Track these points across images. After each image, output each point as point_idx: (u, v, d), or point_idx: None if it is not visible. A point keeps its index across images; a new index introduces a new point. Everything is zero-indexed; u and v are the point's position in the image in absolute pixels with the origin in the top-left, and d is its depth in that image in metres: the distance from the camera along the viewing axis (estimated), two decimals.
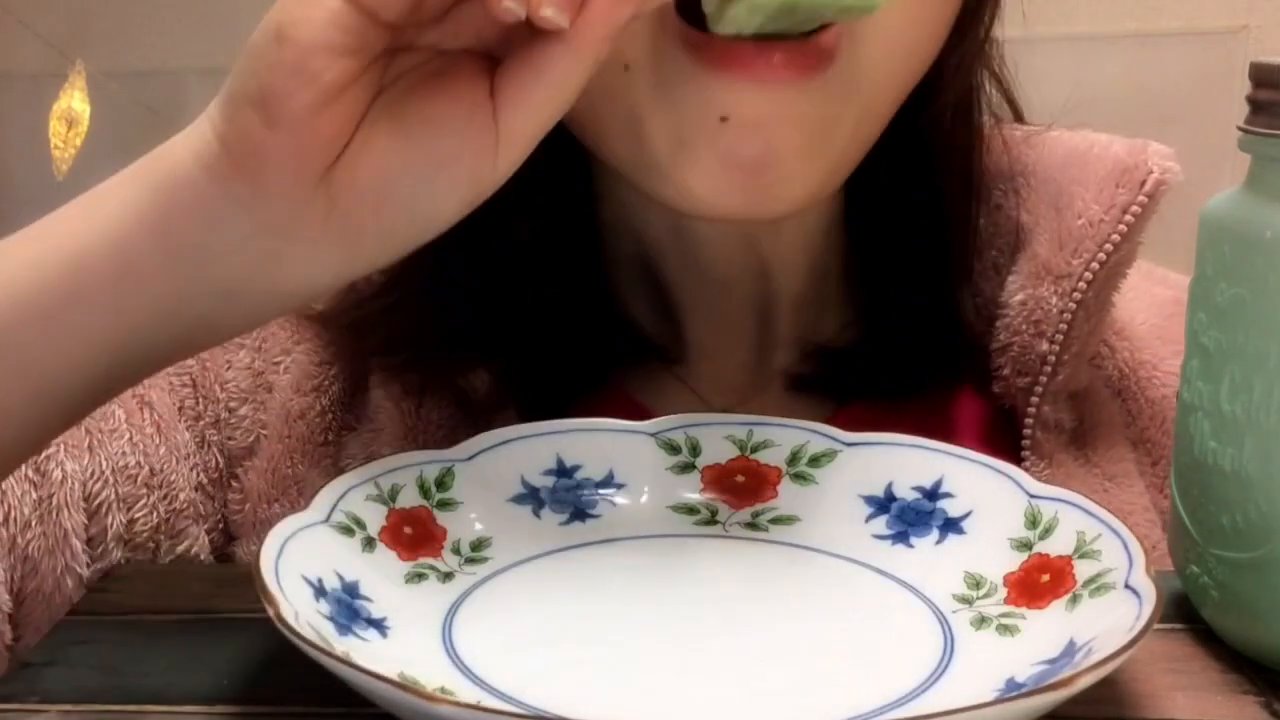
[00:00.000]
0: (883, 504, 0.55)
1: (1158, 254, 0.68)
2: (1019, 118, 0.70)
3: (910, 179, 0.66)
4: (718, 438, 0.58)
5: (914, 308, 0.68)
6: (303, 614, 0.43)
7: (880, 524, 0.55)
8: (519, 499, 0.55)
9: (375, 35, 0.45)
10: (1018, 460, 0.62)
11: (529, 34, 0.47)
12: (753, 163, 0.54)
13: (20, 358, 0.48)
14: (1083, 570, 0.48)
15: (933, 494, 0.55)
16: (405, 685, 0.39)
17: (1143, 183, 0.63)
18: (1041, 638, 0.46)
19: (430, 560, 0.52)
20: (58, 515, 0.60)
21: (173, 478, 0.63)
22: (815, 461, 0.57)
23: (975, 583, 0.51)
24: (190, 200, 0.47)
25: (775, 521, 0.56)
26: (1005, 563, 0.51)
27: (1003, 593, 0.50)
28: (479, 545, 0.53)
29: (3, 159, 1.75)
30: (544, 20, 0.45)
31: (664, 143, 0.55)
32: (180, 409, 0.65)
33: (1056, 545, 0.50)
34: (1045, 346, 0.63)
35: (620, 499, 0.57)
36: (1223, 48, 1.64)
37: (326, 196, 0.47)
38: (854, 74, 0.54)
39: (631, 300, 0.68)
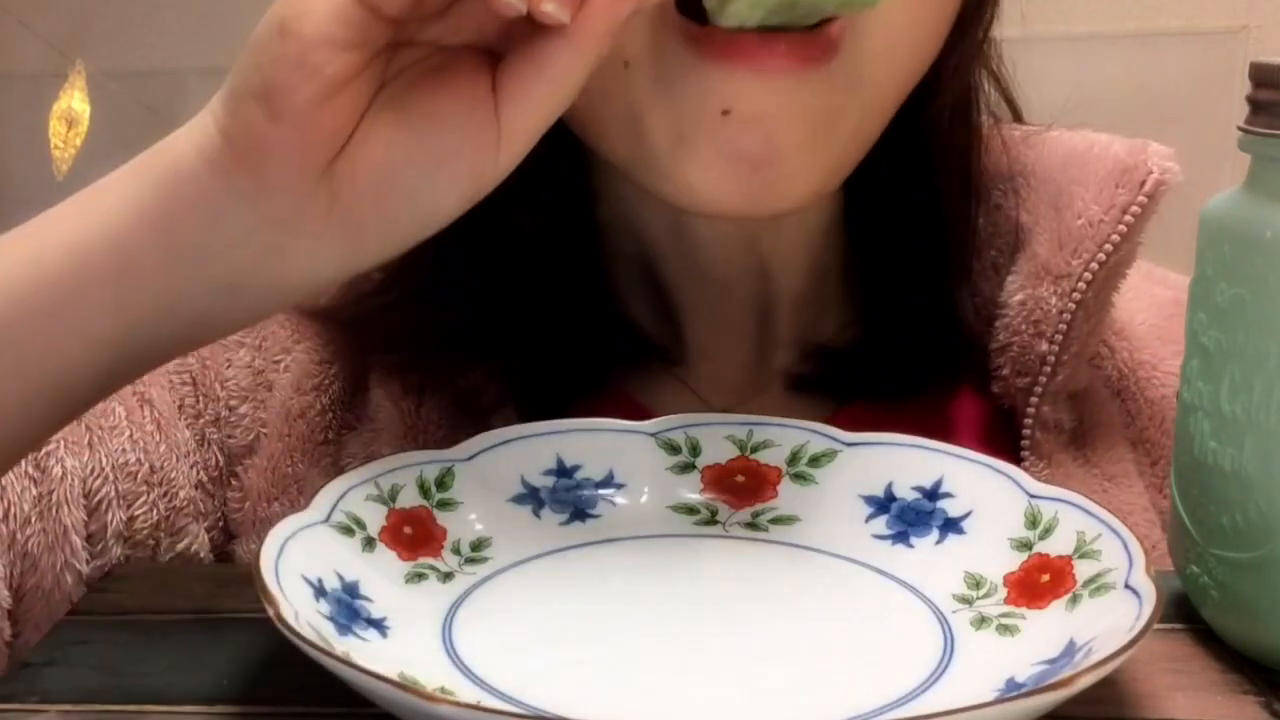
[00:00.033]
0: (883, 504, 0.55)
1: (1157, 254, 0.68)
2: (1018, 118, 0.70)
3: (909, 179, 0.66)
4: (718, 438, 0.58)
5: (913, 307, 0.68)
6: (303, 614, 0.43)
7: (880, 524, 0.55)
8: (519, 499, 0.55)
9: (378, 30, 0.45)
10: (1017, 460, 0.62)
11: (530, 30, 0.47)
12: (754, 157, 0.53)
13: (21, 353, 0.49)
14: (1083, 570, 0.48)
15: (933, 494, 0.55)
16: (405, 685, 0.39)
17: (1142, 183, 0.63)
18: (1041, 638, 0.46)
19: (430, 560, 0.52)
20: (57, 512, 0.60)
21: (173, 475, 0.63)
22: (815, 461, 0.57)
23: (975, 583, 0.51)
24: (192, 194, 0.47)
25: (775, 521, 0.56)
26: (1005, 563, 0.51)
27: (1003, 593, 0.50)
28: (479, 545, 0.53)
29: (3, 159, 1.75)
30: (545, 15, 0.45)
31: (664, 138, 0.55)
32: (180, 407, 0.65)
33: (1056, 545, 0.50)
34: (1045, 347, 0.63)
35: (620, 499, 0.57)
36: (1222, 48, 1.64)
37: (328, 190, 0.47)
38: (857, 68, 0.54)
39: (631, 300, 0.68)
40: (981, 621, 0.49)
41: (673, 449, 0.57)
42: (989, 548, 0.52)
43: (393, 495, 0.53)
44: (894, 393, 0.67)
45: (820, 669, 0.47)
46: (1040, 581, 0.49)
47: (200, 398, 0.66)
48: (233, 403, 0.66)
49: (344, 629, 0.46)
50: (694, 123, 0.54)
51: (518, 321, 0.66)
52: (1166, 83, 1.66)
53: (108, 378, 0.51)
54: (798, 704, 0.45)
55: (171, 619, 0.52)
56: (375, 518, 0.52)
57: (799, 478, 0.57)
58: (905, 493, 0.55)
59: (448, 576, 0.51)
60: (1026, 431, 0.64)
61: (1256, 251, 0.46)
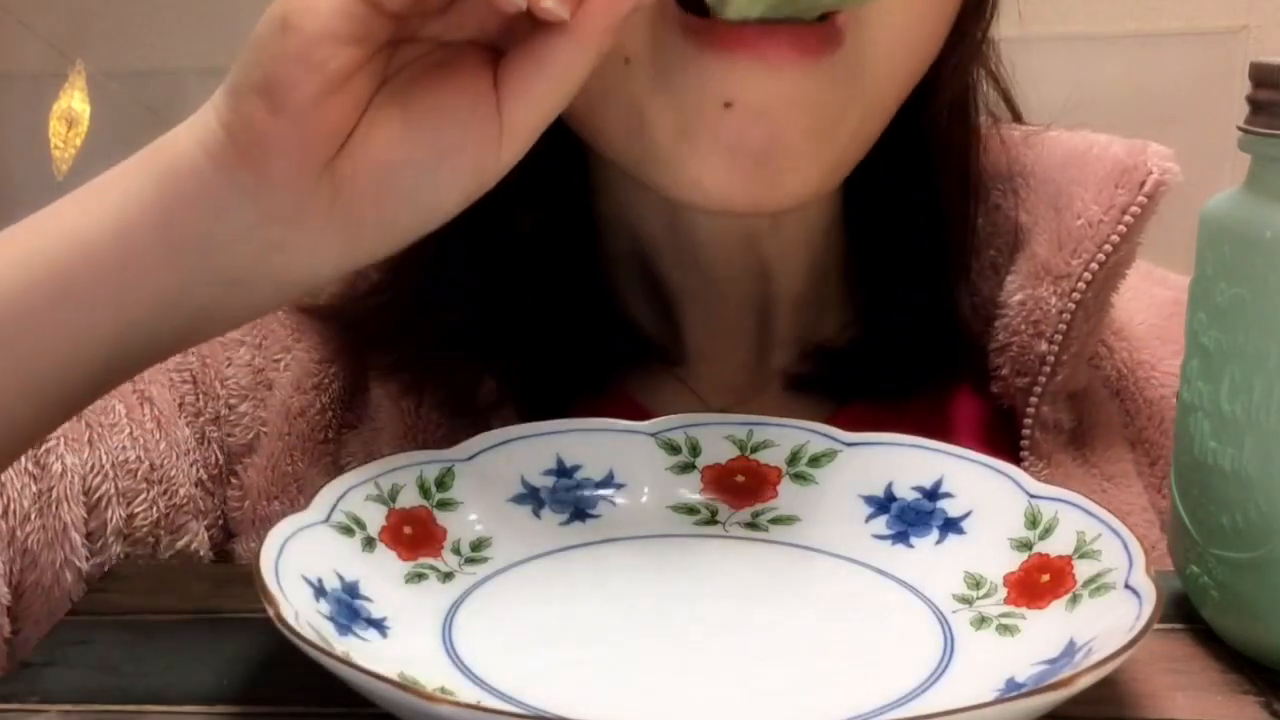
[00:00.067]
0: (883, 504, 0.55)
1: (1157, 254, 0.68)
2: (1017, 118, 0.70)
3: (908, 178, 0.66)
4: (718, 438, 0.58)
5: (913, 307, 0.68)
6: (303, 614, 0.43)
7: (880, 524, 0.55)
8: (519, 499, 0.55)
9: (380, 25, 0.46)
10: (1016, 460, 0.62)
11: (532, 26, 0.47)
12: (757, 151, 0.53)
13: (22, 348, 0.49)
14: (1083, 570, 0.48)
15: (933, 494, 0.55)
16: (405, 685, 0.39)
17: (1142, 183, 0.63)
18: (1041, 638, 0.46)
19: (430, 560, 0.52)
20: (57, 509, 0.60)
21: (173, 473, 0.63)
22: (815, 461, 0.57)
23: (975, 583, 0.51)
24: (194, 189, 0.48)
25: (775, 521, 0.56)
26: (1005, 563, 0.51)
27: (1003, 593, 0.50)
28: (479, 545, 0.53)
29: (2, 159, 1.75)
30: (545, 12, 0.45)
31: (666, 133, 0.54)
32: (180, 405, 0.65)
33: (1056, 545, 0.50)
34: (1044, 347, 0.63)
35: (620, 499, 0.57)
36: (1222, 48, 1.64)
37: (330, 185, 0.47)
38: (859, 63, 0.54)
39: (630, 300, 0.68)
40: (981, 621, 0.49)
41: (673, 449, 0.58)
42: (989, 548, 0.52)
43: (393, 495, 0.53)
44: (893, 393, 0.67)
45: (820, 669, 0.47)
46: (1040, 581, 0.49)
47: (200, 396, 0.66)
48: (232, 401, 0.66)
49: (344, 629, 0.46)
50: (696, 116, 0.53)
51: (517, 321, 0.66)
52: (1166, 83, 1.66)
53: (108, 373, 0.51)
54: (798, 704, 0.45)
55: (171, 619, 0.52)
56: (375, 518, 0.52)
57: (799, 478, 0.57)
58: (905, 493, 0.55)
59: (448, 576, 0.51)
60: (1026, 431, 0.64)
61: (1256, 251, 0.46)
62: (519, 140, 0.48)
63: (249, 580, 0.44)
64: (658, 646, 0.48)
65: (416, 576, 0.51)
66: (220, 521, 0.65)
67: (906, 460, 0.56)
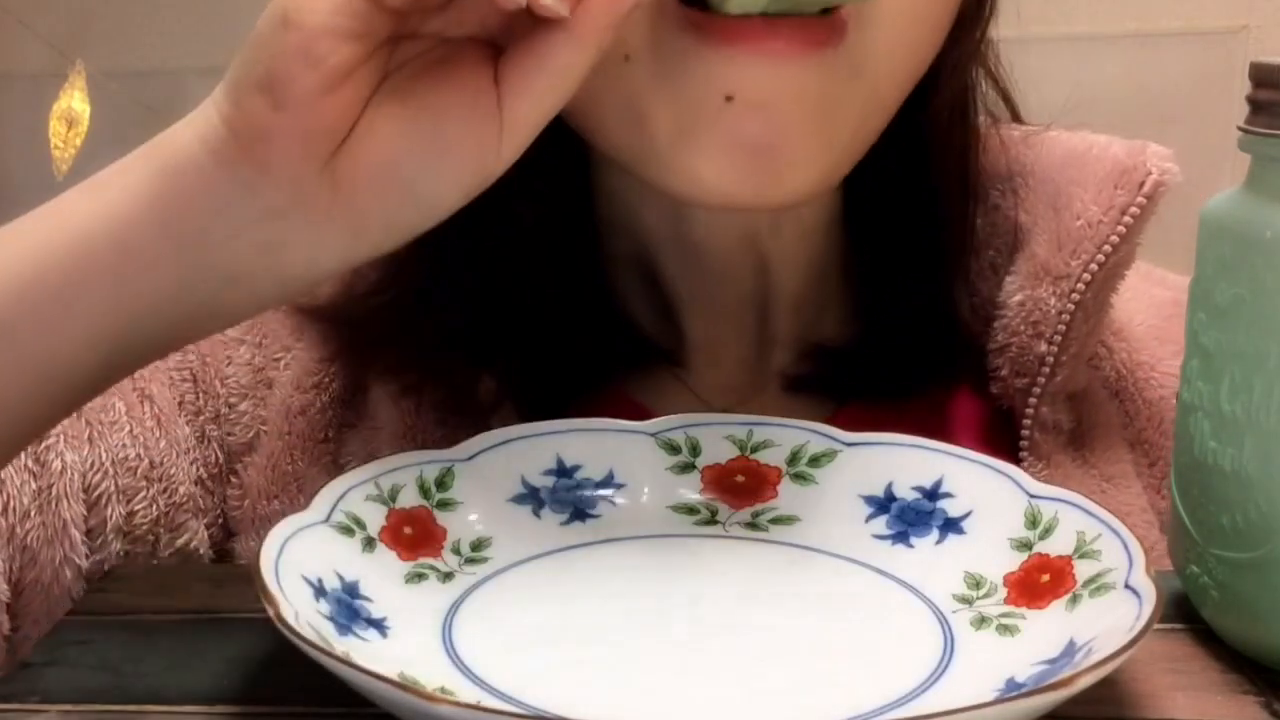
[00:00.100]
0: (883, 504, 0.55)
1: (1157, 255, 0.68)
2: (1016, 118, 0.70)
3: (907, 178, 0.66)
4: (718, 438, 0.58)
5: (912, 307, 0.68)
6: (303, 614, 0.43)
7: (880, 524, 0.55)
8: (519, 499, 0.55)
9: (380, 22, 0.46)
10: (1015, 461, 0.62)
11: (532, 23, 0.47)
12: (758, 145, 0.53)
13: (22, 343, 0.49)
14: (1083, 570, 0.48)
15: (933, 494, 0.55)
16: (405, 685, 0.39)
17: (1141, 184, 0.63)
18: (1041, 638, 0.46)
19: (430, 560, 0.52)
20: (57, 506, 0.60)
21: (172, 471, 0.64)
22: (815, 461, 0.57)
23: (975, 583, 0.51)
24: (195, 184, 0.48)
25: (775, 521, 0.56)
26: (1005, 563, 0.51)
27: (1003, 593, 0.50)
28: (479, 545, 0.53)
29: (2, 159, 1.75)
30: (545, 9, 0.45)
31: (667, 129, 0.54)
32: (181, 403, 0.65)
33: (1056, 545, 0.50)
34: (1043, 347, 0.63)
35: (620, 499, 0.57)
36: (1222, 48, 1.65)
37: (331, 181, 0.47)
38: (862, 57, 0.54)
39: (630, 299, 0.68)
40: (981, 621, 0.49)
41: (673, 449, 0.58)
42: (989, 548, 0.52)
43: (393, 495, 0.53)
44: (893, 393, 0.67)
45: (820, 669, 0.47)
46: (1040, 581, 0.49)
47: (200, 394, 0.66)
48: (232, 400, 0.66)
49: (344, 629, 0.46)
50: (696, 110, 0.53)
51: (517, 321, 0.66)
52: (1166, 83, 1.66)
53: (109, 368, 0.51)
54: (798, 704, 0.45)
55: (171, 619, 0.52)
56: (375, 518, 0.52)
57: (799, 478, 0.57)
58: (905, 493, 0.55)
59: (448, 576, 0.51)
60: (1025, 432, 0.64)
61: (1256, 251, 0.46)
62: (519, 136, 0.48)
63: (249, 580, 0.44)
64: (657, 646, 0.48)
65: (416, 576, 0.51)
66: (220, 520, 0.65)
67: (906, 460, 0.56)
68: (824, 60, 0.53)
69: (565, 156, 0.63)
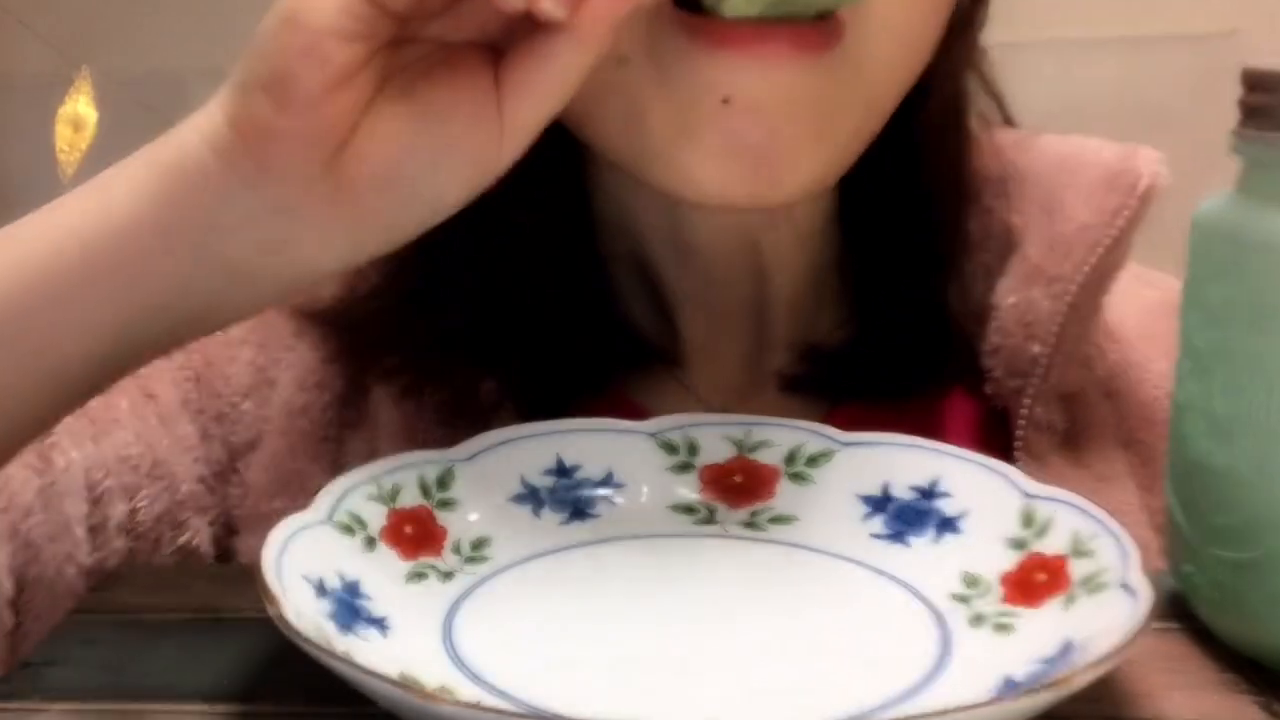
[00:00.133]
0: (880, 503, 0.55)
1: (1147, 257, 0.69)
2: (1009, 122, 0.71)
3: (901, 182, 0.67)
4: (716, 438, 0.58)
5: (907, 309, 0.68)
6: (304, 613, 0.43)
7: (877, 523, 0.55)
8: (519, 499, 0.56)
9: (384, 24, 0.46)
10: (1009, 461, 0.62)
11: (531, 26, 0.47)
12: (755, 148, 0.54)
13: (28, 340, 0.49)
14: (1079, 569, 0.49)
15: (929, 493, 0.55)
16: (406, 684, 0.40)
17: (1133, 187, 0.63)
18: (1038, 636, 0.46)
19: (431, 560, 0.52)
20: (60, 503, 0.60)
21: (175, 469, 0.64)
22: (812, 461, 0.57)
23: (972, 582, 0.51)
24: (199, 184, 0.48)
25: (773, 521, 0.56)
26: (1001, 562, 0.51)
27: (999, 592, 0.50)
28: (479, 545, 0.53)
29: (6, 162, 1.74)
30: (544, 13, 0.46)
31: (664, 130, 0.55)
32: (184, 403, 0.66)
33: (1052, 544, 0.50)
34: (1036, 349, 0.64)
35: (619, 499, 0.57)
36: (1212, 52, 1.65)
37: (334, 180, 0.48)
38: (858, 60, 0.55)
39: (629, 301, 0.68)
40: (978, 620, 0.49)
41: (671, 449, 0.58)
42: (985, 547, 0.52)
43: (393, 495, 0.53)
44: (889, 393, 0.67)
45: (818, 668, 0.47)
46: (1036, 580, 0.49)
47: (203, 394, 0.66)
48: (235, 399, 0.66)
49: (345, 628, 0.46)
50: (694, 113, 0.54)
51: (517, 323, 0.66)
52: (1156, 87, 1.66)
53: (112, 366, 0.51)
54: (796, 702, 0.45)
55: (174, 618, 0.52)
56: (376, 517, 0.52)
57: (796, 477, 0.57)
58: (902, 492, 0.55)
59: (448, 576, 0.52)
60: (1019, 432, 0.65)
61: (1249, 254, 0.46)
62: (520, 136, 0.49)
63: (251, 579, 0.44)
64: (656, 645, 0.48)
65: (417, 576, 0.51)
66: (222, 518, 0.66)
67: (903, 460, 0.56)
68: (820, 64, 0.54)
69: (563, 159, 0.63)
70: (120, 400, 0.63)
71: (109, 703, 0.46)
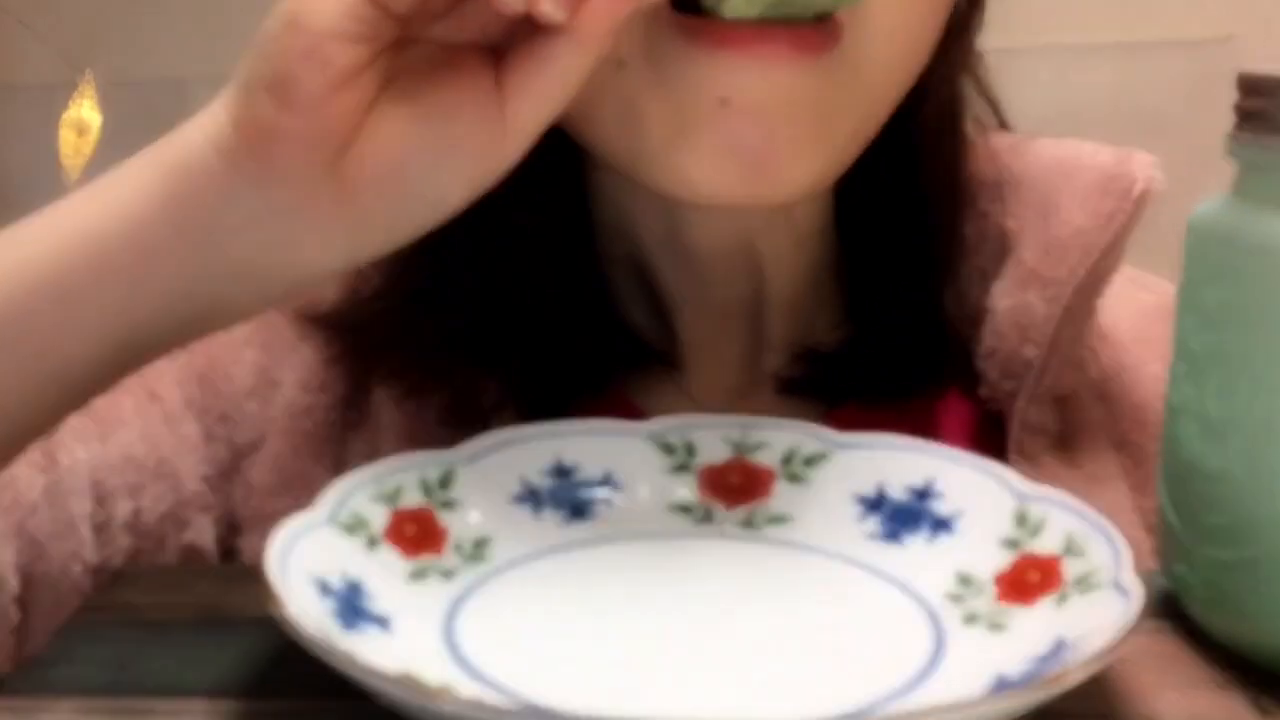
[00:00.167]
0: (875, 504, 0.56)
1: (1143, 261, 0.69)
2: (1005, 127, 0.71)
3: (898, 185, 0.67)
4: (713, 439, 0.58)
5: (902, 312, 0.69)
6: (307, 612, 0.44)
7: (872, 523, 0.55)
8: (519, 499, 0.56)
9: (386, 26, 0.47)
10: (1004, 462, 0.63)
11: (532, 28, 0.48)
12: (753, 150, 0.54)
13: (36, 340, 0.50)
14: (1071, 569, 0.49)
15: (924, 494, 0.55)
16: (408, 682, 0.40)
17: (1127, 191, 0.63)
18: (1031, 635, 0.47)
19: (432, 559, 0.52)
20: (65, 501, 0.60)
21: (179, 468, 0.64)
22: (809, 462, 0.57)
23: (965, 581, 0.51)
24: (203, 184, 0.49)
25: (770, 521, 0.56)
26: (995, 561, 0.51)
27: (993, 591, 0.51)
28: (480, 544, 0.54)
29: (10, 167, 1.75)
30: (543, 15, 0.46)
31: (662, 131, 0.55)
32: (187, 403, 0.66)
33: (1045, 544, 0.51)
34: (1031, 351, 0.64)
35: (618, 499, 0.57)
36: (1208, 57, 1.65)
37: (338, 180, 0.48)
38: (857, 61, 0.55)
39: (628, 303, 0.68)
40: (971, 619, 0.49)
41: (669, 450, 0.58)
42: (979, 546, 0.52)
43: (395, 495, 0.53)
44: (884, 395, 0.67)
45: (813, 665, 0.48)
46: (1029, 580, 0.50)
47: (207, 394, 0.67)
48: (239, 400, 0.67)
49: (348, 627, 0.46)
50: (691, 113, 0.54)
51: (517, 325, 0.66)
52: (1152, 92, 1.66)
53: (117, 365, 0.52)
54: (792, 699, 0.46)
55: (179, 617, 0.53)
56: (378, 517, 0.52)
57: (793, 478, 0.57)
58: (897, 492, 0.56)
59: (450, 575, 0.52)
60: (1013, 434, 0.65)
61: (1243, 257, 0.47)
62: (521, 138, 0.49)
63: (255, 579, 0.45)
64: (654, 643, 0.49)
65: (419, 575, 0.51)
66: (226, 518, 0.66)
67: (898, 461, 0.56)
68: (819, 65, 0.54)
69: (562, 162, 0.64)
70: (124, 400, 0.64)
71: (114, 700, 0.46)
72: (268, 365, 0.67)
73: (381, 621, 0.48)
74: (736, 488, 0.57)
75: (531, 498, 0.56)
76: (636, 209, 0.65)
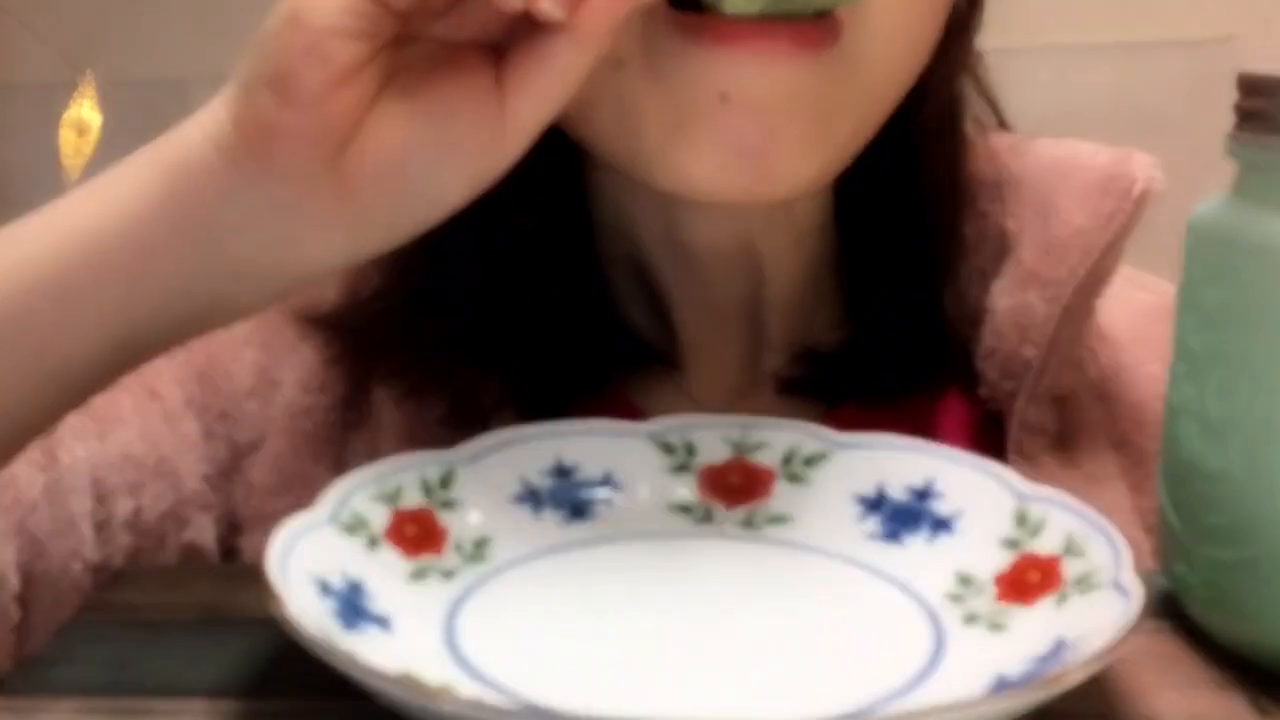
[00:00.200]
0: (875, 504, 0.56)
1: (1143, 261, 0.69)
2: (1004, 127, 0.71)
3: (897, 185, 0.67)
4: (713, 439, 0.58)
5: (902, 312, 0.69)
6: (308, 612, 0.44)
7: (872, 523, 0.55)
8: (519, 499, 0.56)
9: (386, 23, 0.47)
10: (1003, 462, 0.63)
11: (532, 27, 0.48)
12: (753, 146, 0.54)
13: (35, 338, 0.50)
14: (1071, 569, 0.49)
15: (924, 494, 0.55)
16: (408, 682, 0.40)
17: (1127, 191, 0.63)
18: (1030, 635, 0.47)
19: (433, 559, 0.52)
20: (65, 499, 0.60)
21: (179, 467, 0.64)
22: (809, 462, 0.57)
23: (965, 581, 0.52)
24: (203, 181, 0.49)
25: (770, 521, 0.57)
26: (995, 561, 0.52)
27: (992, 591, 0.51)
28: (481, 544, 0.54)
29: (10, 167, 1.75)
30: (543, 14, 0.46)
31: (660, 129, 0.55)
32: (187, 401, 0.66)
33: (1045, 544, 0.51)
34: (1030, 351, 0.64)
35: (618, 499, 0.57)
36: (1208, 57, 1.65)
37: (337, 178, 0.48)
38: (857, 59, 0.55)
39: (628, 303, 0.68)
40: (971, 619, 0.49)
41: (669, 450, 0.58)
42: (979, 546, 0.52)
43: (396, 495, 0.53)
44: (884, 395, 0.67)
45: (813, 665, 0.48)
46: (1029, 580, 0.50)
47: (206, 392, 0.67)
48: (238, 398, 0.67)
49: (348, 627, 0.46)
50: (690, 110, 0.54)
51: (517, 325, 0.66)
52: (1152, 92, 1.67)
53: (115, 363, 0.52)
54: (792, 699, 0.46)
55: (179, 616, 0.53)
56: (379, 517, 0.52)
57: (793, 478, 0.57)
58: (897, 493, 0.56)
59: (450, 575, 0.52)
60: (1012, 434, 0.65)
61: (1243, 257, 0.47)
62: (521, 136, 0.50)
63: (255, 579, 0.45)
64: (655, 643, 0.49)
65: (419, 575, 0.51)
66: (226, 517, 0.66)
67: (898, 461, 0.57)
68: (819, 62, 0.54)
69: (562, 162, 0.64)
70: (124, 398, 0.64)
71: (114, 700, 0.47)
72: (268, 365, 0.67)
73: (382, 621, 0.48)
74: (736, 488, 0.58)
75: (532, 498, 0.56)
76: (636, 208, 0.66)
